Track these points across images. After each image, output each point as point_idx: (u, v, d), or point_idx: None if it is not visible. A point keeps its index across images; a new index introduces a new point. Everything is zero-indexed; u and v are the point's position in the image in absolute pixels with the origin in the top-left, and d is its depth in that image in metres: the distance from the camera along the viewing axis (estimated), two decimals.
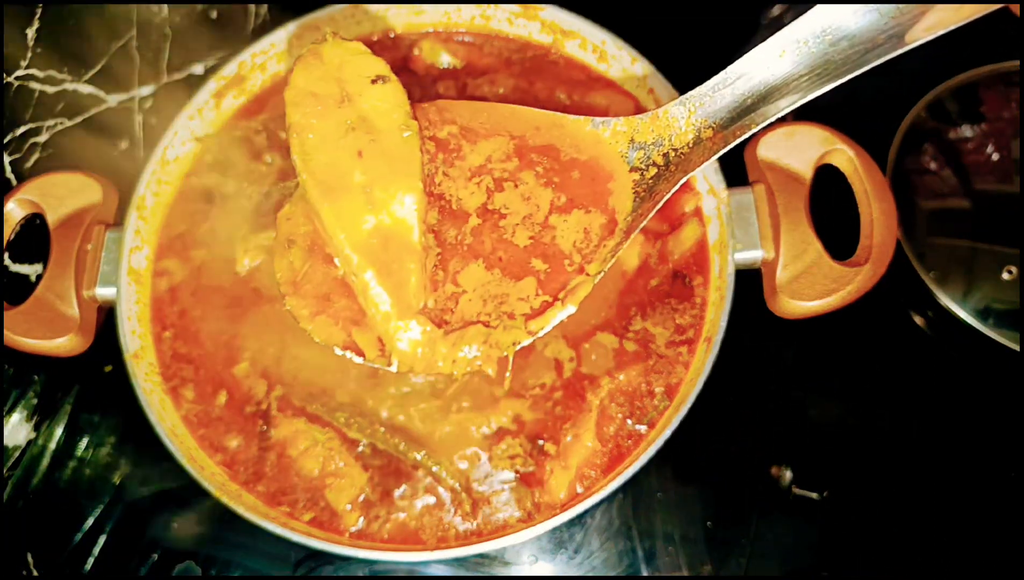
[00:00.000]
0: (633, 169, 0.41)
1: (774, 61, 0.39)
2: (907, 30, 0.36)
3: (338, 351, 0.41)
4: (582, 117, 0.43)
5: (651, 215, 0.40)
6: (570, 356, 0.59)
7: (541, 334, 0.39)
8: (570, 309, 0.39)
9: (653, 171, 0.41)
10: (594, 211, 0.41)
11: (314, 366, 0.59)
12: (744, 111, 0.40)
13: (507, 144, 0.42)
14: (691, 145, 0.41)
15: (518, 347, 0.39)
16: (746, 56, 0.40)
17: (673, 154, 0.41)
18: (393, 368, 0.38)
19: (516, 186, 0.40)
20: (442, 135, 0.43)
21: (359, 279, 0.38)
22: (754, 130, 0.40)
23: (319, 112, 0.40)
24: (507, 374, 0.43)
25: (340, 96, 0.41)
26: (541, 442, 0.57)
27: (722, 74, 0.41)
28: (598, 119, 0.42)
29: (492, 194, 0.41)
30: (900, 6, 0.36)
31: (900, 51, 0.37)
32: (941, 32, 0.37)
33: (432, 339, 0.37)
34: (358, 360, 0.41)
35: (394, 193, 0.39)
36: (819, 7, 0.38)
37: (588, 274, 0.40)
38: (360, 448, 0.57)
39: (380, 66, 0.42)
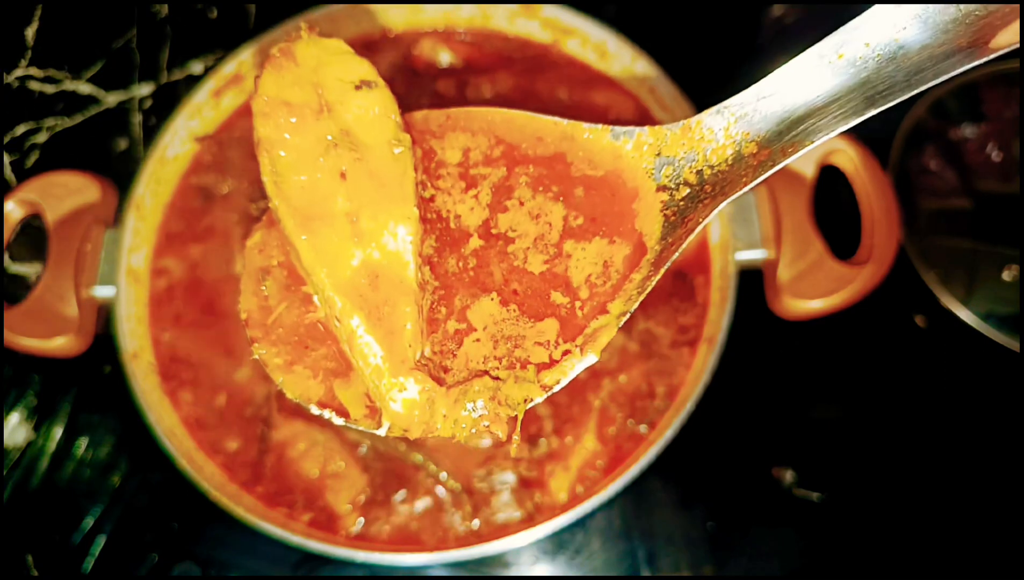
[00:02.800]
0: (661, 188, 0.34)
1: (827, 70, 0.33)
2: (981, 43, 0.31)
3: (315, 410, 0.34)
4: (599, 126, 0.36)
5: (684, 245, 0.32)
6: None
7: (557, 389, 0.32)
8: (590, 358, 0.32)
9: (685, 191, 0.34)
10: (618, 241, 0.33)
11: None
12: (794, 123, 0.33)
13: (501, 149, 0.35)
14: (730, 162, 0.34)
15: (529, 406, 0.32)
16: (797, 60, 0.34)
17: (709, 172, 0.34)
18: (382, 431, 0.32)
19: (522, 204, 0.33)
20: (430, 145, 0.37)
21: (344, 325, 0.31)
22: (809, 148, 0.33)
23: (294, 125, 0.33)
24: (515, 436, 0.32)
25: (318, 105, 0.34)
26: (540, 442, 0.57)
27: (766, 81, 0.34)
28: (619, 129, 0.35)
29: (495, 213, 0.34)
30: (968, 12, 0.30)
31: (969, 65, 0.32)
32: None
33: (431, 398, 0.30)
34: (339, 421, 0.34)
35: (385, 222, 0.32)
36: (877, 9, 0.32)
37: (611, 313, 0.33)
38: (361, 450, 0.57)
39: (365, 69, 0.35)
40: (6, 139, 0.65)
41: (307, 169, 0.33)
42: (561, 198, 0.34)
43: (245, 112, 0.69)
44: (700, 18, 0.84)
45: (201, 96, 0.67)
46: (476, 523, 0.55)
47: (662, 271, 0.32)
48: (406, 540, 0.55)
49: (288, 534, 0.53)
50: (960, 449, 0.68)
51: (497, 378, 0.32)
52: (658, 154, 0.34)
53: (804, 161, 0.58)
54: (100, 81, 0.75)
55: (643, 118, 0.67)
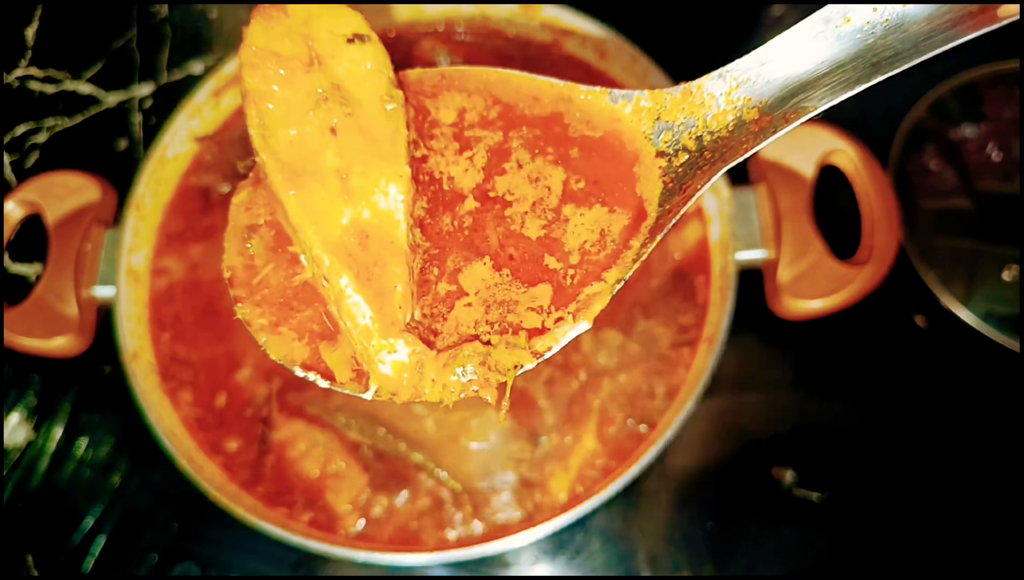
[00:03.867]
0: (660, 154, 0.33)
1: (832, 35, 0.31)
2: (989, 11, 0.29)
3: (299, 372, 0.33)
4: (598, 88, 0.35)
5: (682, 212, 0.32)
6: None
7: (548, 356, 0.31)
8: (583, 326, 0.31)
9: (683, 157, 0.33)
10: (618, 210, 0.32)
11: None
12: (798, 89, 0.32)
13: (498, 110, 0.35)
14: (731, 129, 0.33)
15: (520, 372, 0.31)
16: (801, 25, 0.33)
17: (709, 138, 0.33)
18: (369, 395, 0.31)
19: (520, 167, 0.32)
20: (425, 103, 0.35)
21: (332, 285, 0.30)
22: (811, 114, 0.32)
23: (283, 77, 0.32)
24: (504, 402, 0.31)
25: (309, 58, 0.32)
26: (541, 442, 0.57)
27: (770, 46, 0.33)
28: (618, 92, 0.35)
29: (491, 176, 0.33)
30: None
31: (977, 32, 0.30)
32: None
33: (421, 361, 0.29)
34: (323, 384, 0.33)
35: (376, 180, 0.31)
36: None
37: (606, 282, 0.32)
38: (363, 450, 0.57)
39: (357, 22, 0.33)
40: (6, 139, 0.65)
41: (296, 123, 0.32)
42: (560, 162, 0.33)
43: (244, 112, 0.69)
44: (700, 18, 0.84)
45: (201, 96, 0.67)
46: (476, 523, 0.55)
47: (658, 239, 0.32)
48: (406, 540, 0.55)
49: (288, 534, 0.53)
50: (960, 449, 0.68)
51: (488, 343, 0.31)
52: (657, 119, 0.34)
53: (804, 161, 0.58)
54: (100, 81, 0.75)
55: None
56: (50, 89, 0.71)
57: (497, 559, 0.65)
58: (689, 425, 0.53)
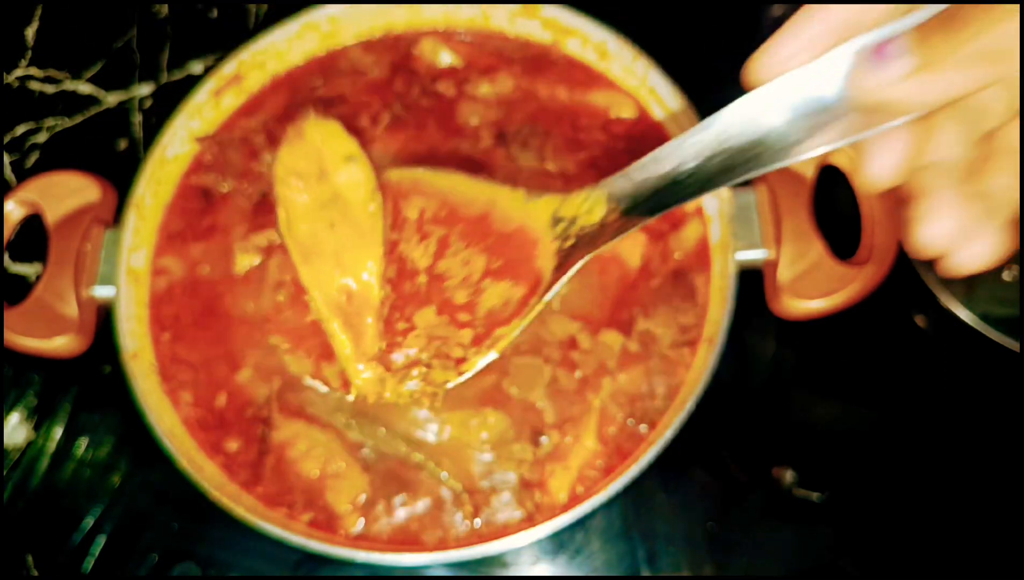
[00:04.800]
0: (555, 238, 0.46)
1: (688, 149, 0.39)
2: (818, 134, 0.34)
3: (308, 381, 0.51)
4: (519, 190, 0.48)
5: (561, 282, 0.45)
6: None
7: (467, 376, 0.47)
8: (492, 355, 0.46)
9: (571, 242, 0.46)
10: (520, 282, 0.47)
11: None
12: (647, 197, 0.42)
13: (446, 210, 0.49)
14: (598, 226, 0.44)
15: (449, 386, 0.47)
16: (667, 145, 0.40)
17: (585, 230, 0.45)
18: (350, 398, 0.48)
19: (455, 254, 0.47)
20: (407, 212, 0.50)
21: (327, 326, 0.47)
22: (649, 220, 0.43)
23: (301, 189, 0.48)
24: (436, 403, 0.49)
25: (319, 172, 0.48)
26: (541, 442, 0.57)
27: (638, 162, 0.42)
28: (533, 193, 0.48)
29: (437, 260, 0.48)
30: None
31: (811, 153, 0.35)
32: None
33: (382, 379, 0.45)
34: (323, 389, 0.51)
35: (359, 259, 0.46)
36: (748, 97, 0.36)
37: (511, 327, 0.46)
38: (364, 451, 0.57)
39: (352, 147, 0.49)
40: (6, 139, 0.65)
41: (309, 220, 0.47)
42: (483, 250, 0.46)
43: (245, 112, 0.70)
44: (700, 18, 0.84)
45: (201, 96, 0.67)
46: (477, 523, 0.55)
47: (547, 298, 0.46)
48: (406, 540, 0.55)
49: (288, 534, 0.53)
50: (960, 449, 0.68)
51: (428, 366, 0.46)
52: (554, 213, 0.46)
53: (804, 161, 0.58)
54: (100, 81, 0.75)
55: (642, 117, 0.67)
56: (50, 89, 0.71)
57: (497, 559, 0.65)
58: (689, 425, 0.53)
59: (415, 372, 0.46)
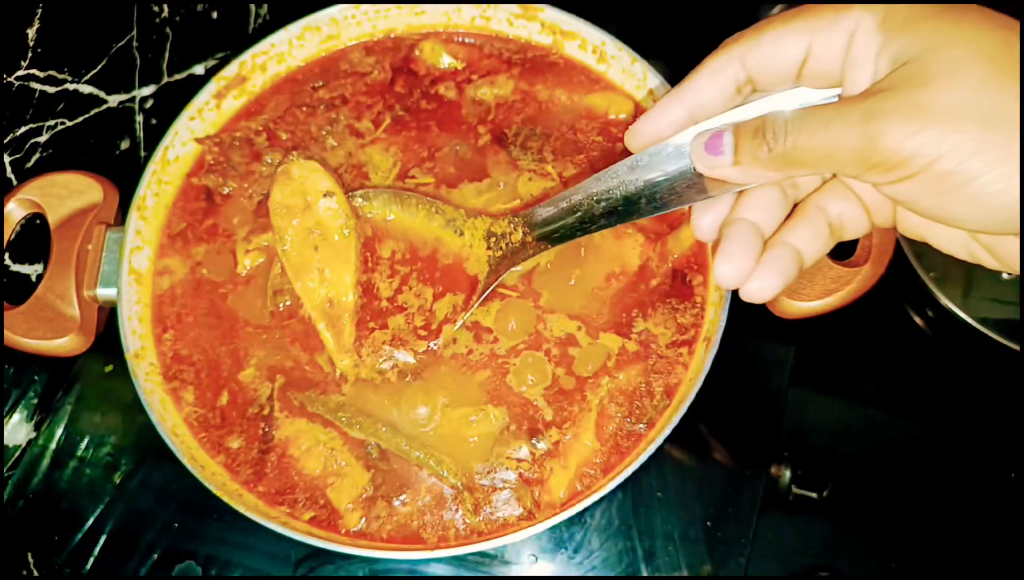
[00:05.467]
0: (488, 249, 0.58)
1: (580, 195, 0.48)
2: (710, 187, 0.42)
3: (306, 368, 0.60)
4: (460, 211, 0.60)
5: (495, 284, 0.58)
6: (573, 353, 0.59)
7: (428, 348, 0.59)
8: (439, 341, 0.59)
9: (500, 253, 0.57)
10: (459, 292, 0.60)
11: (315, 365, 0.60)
12: (552, 229, 0.52)
13: (409, 252, 0.62)
14: (519, 244, 0.55)
15: (411, 360, 0.59)
16: (566, 191, 0.49)
17: (509, 246, 0.56)
18: (337, 374, 0.59)
19: (411, 289, 0.61)
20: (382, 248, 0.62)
21: (316, 326, 0.59)
22: (556, 246, 0.53)
23: (291, 220, 0.60)
24: (405, 378, 0.59)
25: (304, 204, 0.60)
26: (541, 440, 0.57)
27: (547, 201, 0.52)
28: (471, 214, 0.60)
29: (397, 294, 0.61)
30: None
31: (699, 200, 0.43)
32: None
33: (356, 364, 0.59)
34: (323, 368, 0.60)
35: (339, 273, 0.59)
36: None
37: (453, 324, 0.59)
38: (364, 448, 0.57)
39: (329, 183, 0.60)
40: (6, 139, 0.66)
41: (299, 245, 0.59)
42: (432, 282, 0.61)
43: (246, 114, 0.70)
44: (699, 19, 0.85)
45: (203, 97, 0.67)
46: (477, 520, 0.55)
47: (483, 296, 0.58)
48: (407, 537, 0.55)
49: (290, 532, 0.53)
50: (959, 449, 0.68)
51: (392, 354, 0.59)
52: (487, 230, 0.59)
53: None
54: (101, 82, 0.75)
55: None
56: (50, 89, 0.71)
57: (497, 557, 0.65)
58: (688, 424, 0.54)
59: (381, 358, 0.59)
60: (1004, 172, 0.32)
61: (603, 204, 0.46)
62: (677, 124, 0.42)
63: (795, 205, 0.43)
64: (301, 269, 0.59)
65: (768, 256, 0.41)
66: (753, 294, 0.41)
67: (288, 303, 0.61)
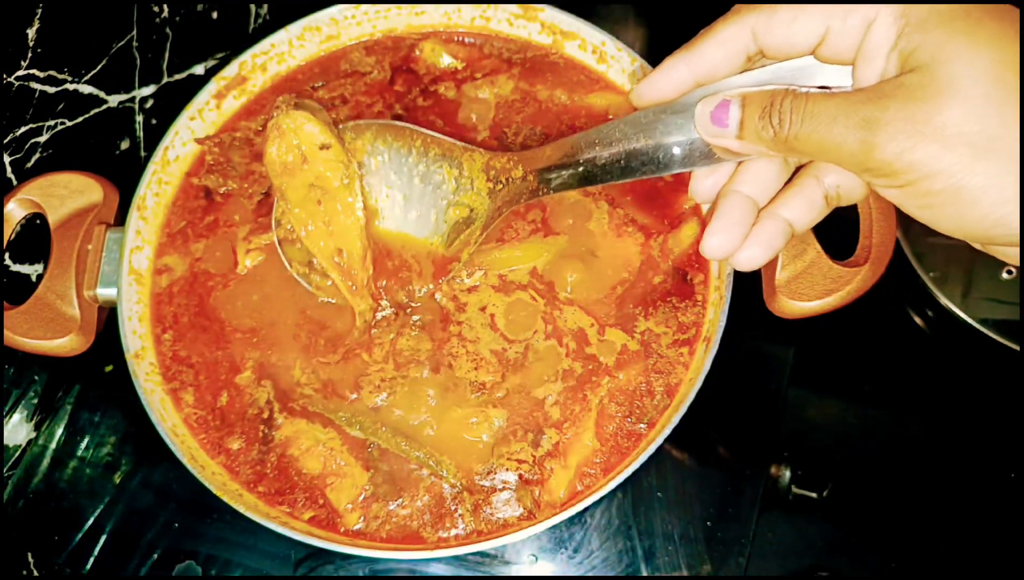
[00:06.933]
0: (488, 181, 0.56)
1: (585, 139, 0.48)
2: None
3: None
4: (458, 144, 0.58)
5: (498, 221, 0.57)
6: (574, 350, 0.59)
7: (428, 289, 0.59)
8: (447, 277, 0.59)
9: (501, 186, 0.56)
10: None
11: (314, 365, 0.59)
12: (553, 168, 0.51)
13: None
14: (520, 180, 0.54)
15: (421, 293, 0.59)
16: (573, 136, 0.50)
17: (509, 181, 0.55)
18: (357, 318, 0.59)
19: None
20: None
21: (332, 276, 0.58)
22: (554, 193, 0.53)
23: (290, 178, 0.57)
24: (420, 336, 0.60)
25: (301, 159, 0.57)
26: (541, 441, 0.57)
27: (552, 143, 0.52)
28: (469, 148, 0.57)
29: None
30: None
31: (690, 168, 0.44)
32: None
33: (373, 307, 0.58)
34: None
35: (343, 224, 0.57)
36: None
37: (458, 260, 0.58)
38: (364, 448, 0.57)
39: (324, 136, 0.56)
40: (6, 139, 0.66)
41: (301, 202, 0.57)
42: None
43: (246, 114, 0.70)
44: (698, 21, 0.84)
45: (203, 97, 0.67)
46: (477, 520, 0.55)
47: (487, 231, 0.57)
48: (407, 537, 0.55)
49: (289, 532, 0.53)
50: (959, 449, 0.68)
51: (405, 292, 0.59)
52: (486, 164, 0.56)
53: None
54: (101, 82, 0.75)
55: None
56: (50, 89, 0.71)
57: (497, 556, 0.65)
58: (688, 424, 0.54)
59: (397, 295, 0.59)
60: (996, 198, 0.33)
61: (605, 156, 0.46)
62: (683, 87, 0.43)
63: (797, 168, 0.44)
64: (306, 222, 0.57)
65: (758, 229, 0.42)
66: (740, 264, 0.43)
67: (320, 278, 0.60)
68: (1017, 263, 0.37)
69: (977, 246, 0.38)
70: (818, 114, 0.36)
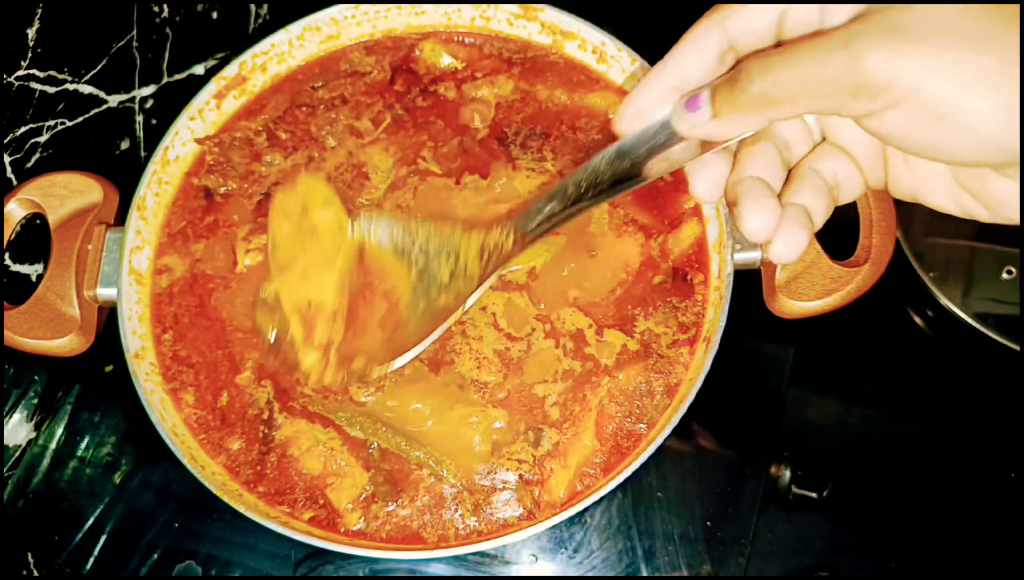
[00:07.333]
0: (480, 265, 0.54)
1: (583, 174, 0.46)
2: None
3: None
4: (457, 228, 0.56)
5: (487, 285, 0.53)
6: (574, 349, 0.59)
7: (392, 369, 0.54)
8: (414, 353, 0.54)
9: (491, 265, 0.53)
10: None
11: None
12: (544, 221, 0.50)
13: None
14: (509, 251, 0.52)
15: (375, 372, 0.54)
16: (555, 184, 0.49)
17: (499, 257, 0.53)
18: (299, 374, 0.55)
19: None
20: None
21: (290, 320, 0.56)
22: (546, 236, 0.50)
23: (285, 223, 0.58)
24: (370, 390, 0.59)
25: (301, 210, 0.58)
26: (541, 440, 0.57)
27: (536, 198, 0.51)
28: (466, 230, 0.55)
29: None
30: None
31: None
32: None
33: (321, 362, 0.54)
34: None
35: (321, 276, 0.56)
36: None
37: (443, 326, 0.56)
38: (364, 448, 0.57)
39: (328, 195, 0.58)
40: (6, 139, 0.66)
41: (287, 245, 0.56)
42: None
43: (246, 114, 0.70)
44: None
45: (203, 97, 0.67)
46: (477, 520, 0.55)
47: (480, 291, 0.52)
48: (407, 537, 0.55)
49: (290, 531, 0.53)
50: (959, 449, 0.68)
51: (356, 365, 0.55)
52: (481, 246, 0.53)
53: None
54: (101, 82, 0.75)
55: None
56: (50, 89, 0.71)
57: (497, 556, 0.65)
58: (688, 424, 0.54)
59: (352, 367, 0.55)
60: (997, 100, 0.31)
61: (592, 191, 0.46)
62: (661, 100, 0.42)
63: (789, 172, 0.42)
64: (284, 267, 0.57)
65: (785, 214, 0.40)
66: (782, 253, 0.40)
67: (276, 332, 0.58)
68: (1015, 185, 0.35)
69: (971, 184, 0.37)
70: (791, 53, 0.34)
